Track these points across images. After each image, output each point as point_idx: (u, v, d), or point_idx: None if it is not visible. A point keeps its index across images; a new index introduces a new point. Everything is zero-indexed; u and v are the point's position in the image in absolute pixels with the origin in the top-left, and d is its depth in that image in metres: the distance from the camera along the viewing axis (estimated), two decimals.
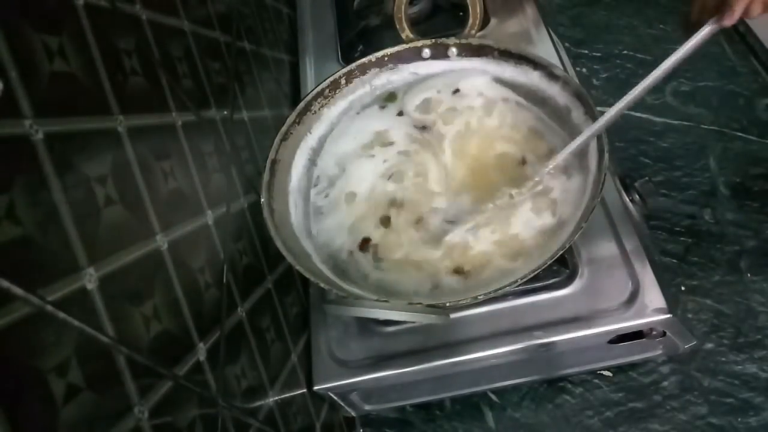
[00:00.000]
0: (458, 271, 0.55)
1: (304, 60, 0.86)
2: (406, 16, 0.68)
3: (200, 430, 0.37)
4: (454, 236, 0.56)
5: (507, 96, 0.64)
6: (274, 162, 0.61)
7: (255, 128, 0.64)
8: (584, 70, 0.94)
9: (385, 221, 0.60)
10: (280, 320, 0.57)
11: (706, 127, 0.83)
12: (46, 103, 0.31)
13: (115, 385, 0.31)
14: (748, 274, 0.69)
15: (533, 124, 0.62)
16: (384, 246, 0.58)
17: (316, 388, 0.59)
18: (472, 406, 0.68)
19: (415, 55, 0.69)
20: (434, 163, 0.62)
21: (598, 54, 0.96)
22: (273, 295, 0.57)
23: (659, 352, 0.63)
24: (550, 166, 0.55)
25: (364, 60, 0.69)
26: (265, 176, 0.59)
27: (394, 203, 0.60)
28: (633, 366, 0.65)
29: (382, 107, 0.68)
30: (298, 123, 0.65)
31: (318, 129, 0.67)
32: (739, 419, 0.60)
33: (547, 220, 0.55)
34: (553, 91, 0.61)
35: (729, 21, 0.49)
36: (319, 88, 0.67)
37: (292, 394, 0.55)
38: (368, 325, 0.61)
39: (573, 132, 0.58)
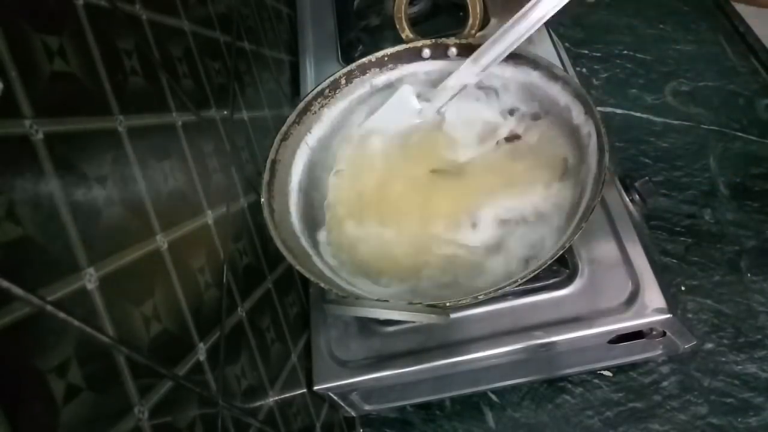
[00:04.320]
0: None
1: (304, 60, 0.86)
2: (406, 16, 0.68)
3: (200, 430, 0.37)
4: None
5: None
6: (274, 162, 0.61)
7: (255, 128, 0.64)
8: (584, 70, 0.94)
9: None
10: (280, 320, 0.57)
11: (706, 127, 0.83)
12: (46, 103, 0.31)
13: (115, 385, 0.31)
14: (748, 274, 0.69)
15: None
16: None
17: (316, 388, 0.59)
18: (472, 406, 0.68)
19: (415, 55, 0.69)
20: None
21: (598, 54, 0.96)
22: (273, 295, 0.57)
23: (659, 352, 0.63)
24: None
25: (364, 60, 0.69)
26: (265, 176, 0.59)
27: None
28: (633, 366, 0.65)
29: None
30: (298, 123, 0.65)
31: (318, 129, 0.67)
32: (739, 419, 0.60)
33: None
34: (554, 91, 0.61)
35: None
36: (319, 88, 0.67)
37: (292, 394, 0.55)
38: (368, 325, 0.61)
39: (574, 131, 0.58)
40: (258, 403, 0.47)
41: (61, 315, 0.28)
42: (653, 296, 0.54)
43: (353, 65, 0.68)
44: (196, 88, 0.51)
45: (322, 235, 0.62)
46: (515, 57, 0.64)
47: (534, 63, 0.62)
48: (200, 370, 0.40)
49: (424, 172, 0.64)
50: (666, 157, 0.81)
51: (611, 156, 0.52)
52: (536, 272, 0.48)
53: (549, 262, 0.48)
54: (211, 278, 0.45)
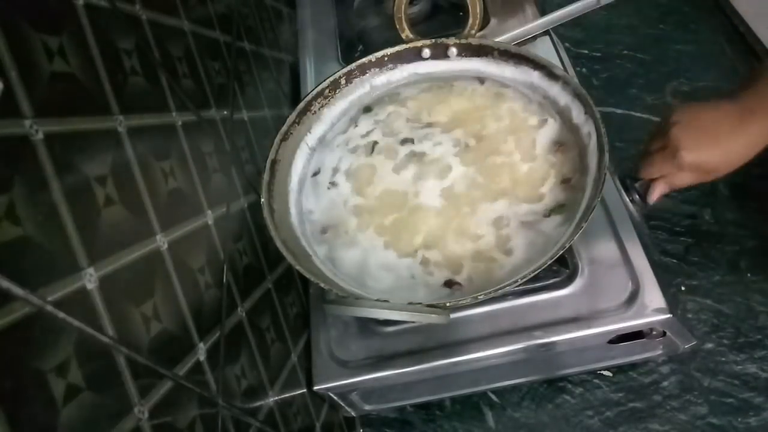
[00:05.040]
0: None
1: (304, 60, 0.86)
2: (406, 16, 0.68)
3: (200, 430, 0.37)
4: None
5: None
6: (274, 162, 0.61)
7: (255, 128, 0.64)
8: (584, 70, 0.94)
9: None
10: (280, 320, 0.57)
11: None
12: (46, 103, 0.31)
13: (115, 385, 0.31)
14: (748, 274, 0.69)
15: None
16: None
17: (316, 388, 0.59)
18: (472, 406, 0.68)
19: (415, 55, 0.69)
20: None
21: (598, 54, 0.96)
22: (273, 295, 0.57)
23: (659, 352, 0.63)
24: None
25: (364, 60, 0.69)
26: (265, 176, 0.59)
27: None
28: (633, 366, 0.65)
29: None
30: (298, 123, 0.65)
31: (318, 129, 0.67)
32: (739, 419, 0.60)
33: None
34: (554, 91, 0.61)
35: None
36: (319, 88, 0.67)
37: (292, 394, 0.55)
38: (368, 325, 0.61)
39: (573, 131, 0.58)
40: (258, 403, 0.47)
41: (61, 315, 0.28)
42: (653, 296, 0.54)
43: (353, 65, 0.68)
44: (196, 88, 0.51)
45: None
46: (515, 57, 0.64)
47: (534, 63, 0.62)
48: (200, 370, 0.40)
49: None
50: None
51: (611, 156, 0.52)
52: (536, 272, 0.48)
53: (549, 262, 0.48)
54: (211, 278, 0.45)
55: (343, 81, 0.68)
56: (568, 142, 0.58)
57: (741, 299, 0.67)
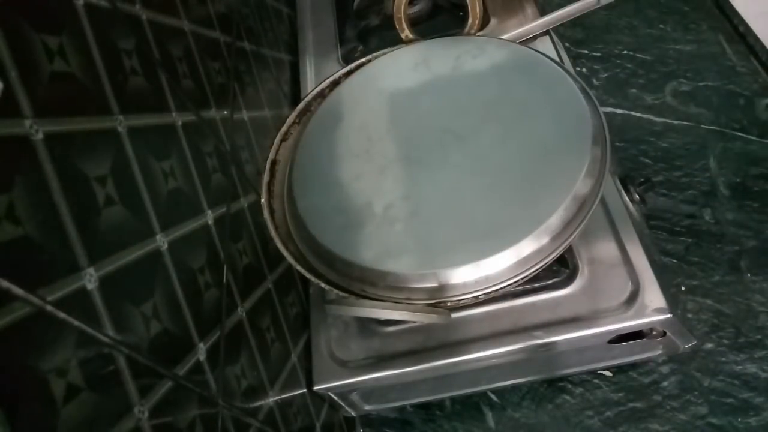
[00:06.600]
0: None
1: (304, 60, 0.86)
2: (406, 16, 0.68)
3: (200, 430, 0.37)
4: None
5: None
6: (274, 162, 0.61)
7: (255, 128, 0.64)
8: (584, 70, 0.94)
9: None
10: (280, 320, 0.57)
11: (706, 127, 0.83)
12: (46, 103, 0.31)
13: (115, 385, 0.31)
14: (748, 274, 0.69)
15: None
16: None
17: (316, 388, 0.59)
18: (472, 406, 0.68)
19: None
20: None
21: (598, 54, 0.96)
22: (273, 295, 0.57)
23: (659, 352, 0.63)
24: None
25: (364, 60, 0.69)
26: (265, 176, 0.59)
27: None
28: (633, 366, 0.65)
29: None
30: (298, 123, 0.65)
31: None
32: (739, 419, 0.60)
33: None
34: None
35: None
36: (319, 88, 0.67)
37: (292, 394, 0.55)
38: (368, 325, 0.61)
39: None
40: (258, 403, 0.47)
41: (61, 315, 0.28)
42: (653, 296, 0.54)
43: (353, 65, 0.68)
44: (196, 88, 0.51)
45: None
46: None
47: None
48: (200, 370, 0.40)
49: None
50: (666, 157, 0.81)
51: (611, 156, 0.52)
52: (536, 272, 0.48)
53: (549, 262, 0.48)
54: (211, 278, 0.45)
55: (343, 81, 0.68)
56: None
57: (741, 299, 0.67)
